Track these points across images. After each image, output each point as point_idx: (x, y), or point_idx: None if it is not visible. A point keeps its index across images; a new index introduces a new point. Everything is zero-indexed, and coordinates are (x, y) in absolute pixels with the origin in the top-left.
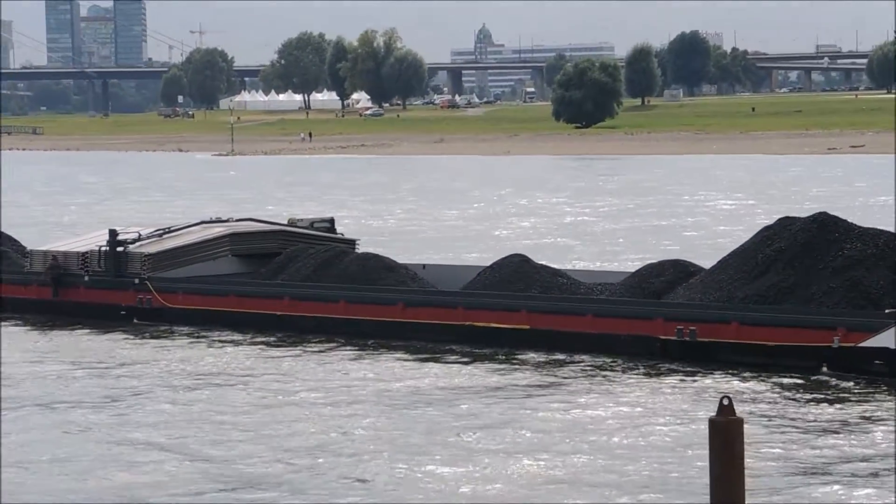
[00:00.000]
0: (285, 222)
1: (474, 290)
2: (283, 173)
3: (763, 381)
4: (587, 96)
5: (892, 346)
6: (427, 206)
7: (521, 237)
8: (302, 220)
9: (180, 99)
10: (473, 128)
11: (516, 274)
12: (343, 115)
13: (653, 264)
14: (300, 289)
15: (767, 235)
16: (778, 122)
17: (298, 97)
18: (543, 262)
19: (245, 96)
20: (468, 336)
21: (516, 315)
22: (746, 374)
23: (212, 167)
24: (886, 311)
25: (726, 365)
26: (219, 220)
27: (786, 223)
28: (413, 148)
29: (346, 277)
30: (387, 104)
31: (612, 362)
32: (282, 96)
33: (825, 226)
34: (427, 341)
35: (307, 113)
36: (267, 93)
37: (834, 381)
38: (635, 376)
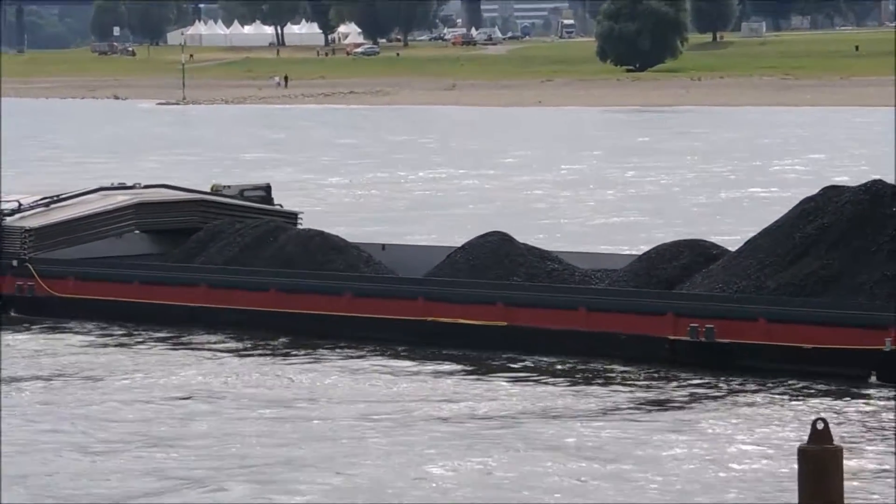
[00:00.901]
0: (208, 189)
1: (440, 276)
2: (255, 128)
3: (824, 395)
4: (642, 30)
5: None
6: (458, 172)
7: (592, 214)
8: (229, 186)
9: (117, 31)
10: (494, 71)
11: (494, 257)
12: (327, 54)
13: (665, 246)
14: (221, 274)
15: (808, 209)
16: (888, 64)
17: (269, 30)
18: (529, 243)
19: (200, 28)
20: (431, 334)
21: (491, 309)
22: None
23: (160, 119)
24: None
25: (748, 372)
26: (122, 187)
27: (831, 194)
28: (417, 96)
29: (282, 260)
30: (383, 40)
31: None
32: (247, 29)
33: (880, 197)
34: (379, 340)
35: (278, 50)
36: (228, 24)
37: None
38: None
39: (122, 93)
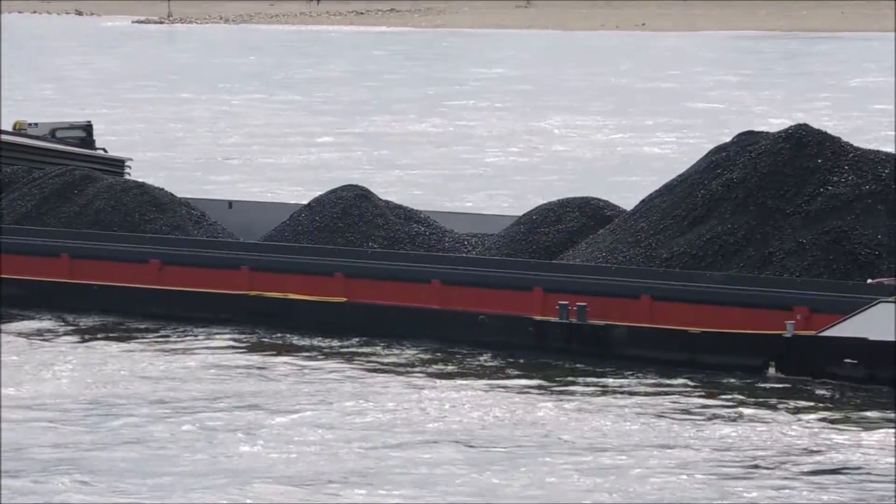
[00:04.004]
0: (9, 128)
1: (274, 240)
2: (306, 57)
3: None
4: None
5: (871, 337)
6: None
7: None
8: (37, 124)
9: None
10: None
11: (346, 217)
12: None
13: (549, 206)
14: (3, 236)
15: (717, 160)
16: None
17: None
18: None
19: None
20: (256, 312)
21: (328, 281)
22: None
23: (147, 42)
24: (869, 281)
25: (627, 362)
26: None
27: (745, 142)
28: (478, 17)
29: (88, 218)
30: None
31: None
32: None
33: (803, 146)
34: (193, 319)
35: None
36: None
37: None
38: None
39: (86, 7)
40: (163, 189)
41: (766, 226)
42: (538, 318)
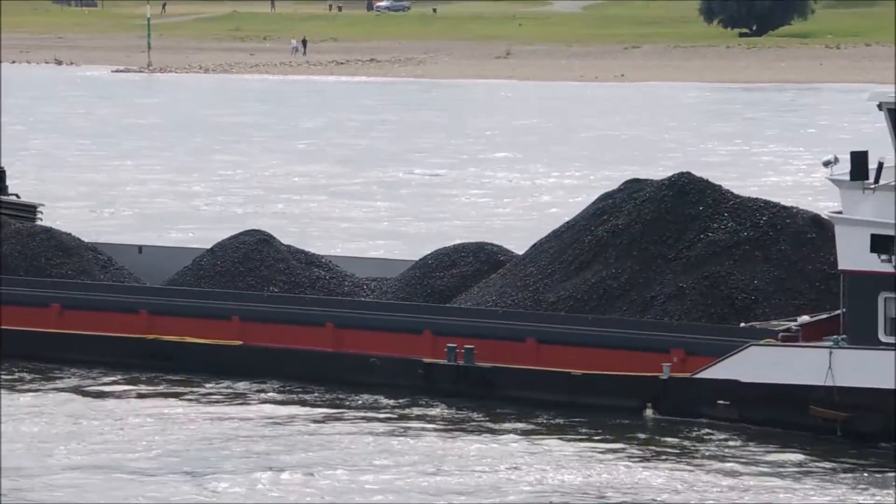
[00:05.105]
0: None
1: (176, 285)
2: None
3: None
4: None
5: (743, 379)
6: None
7: None
8: None
9: None
10: (562, 33)
11: (247, 261)
12: (340, 9)
13: (444, 251)
14: None
15: (604, 207)
16: None
17: None
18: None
19: None
20: (153, 355)
21: (225, 325)
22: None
23: (133, 93)
24: (742, 325)
25: (515, 403)
26: None
27: (631, 189)
28: (459, 67)
29: None
30: None
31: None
32: None
33: (684, 194)
34: (94, 362)
35: (273, 3)
36: None
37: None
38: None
39: (67, 56)
40: (70, 234)
41: (649, 271)
42: (427, 360)
